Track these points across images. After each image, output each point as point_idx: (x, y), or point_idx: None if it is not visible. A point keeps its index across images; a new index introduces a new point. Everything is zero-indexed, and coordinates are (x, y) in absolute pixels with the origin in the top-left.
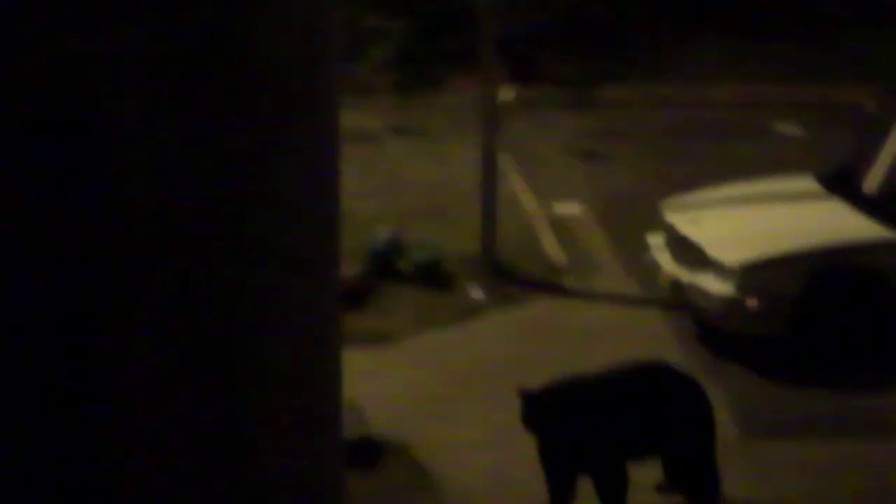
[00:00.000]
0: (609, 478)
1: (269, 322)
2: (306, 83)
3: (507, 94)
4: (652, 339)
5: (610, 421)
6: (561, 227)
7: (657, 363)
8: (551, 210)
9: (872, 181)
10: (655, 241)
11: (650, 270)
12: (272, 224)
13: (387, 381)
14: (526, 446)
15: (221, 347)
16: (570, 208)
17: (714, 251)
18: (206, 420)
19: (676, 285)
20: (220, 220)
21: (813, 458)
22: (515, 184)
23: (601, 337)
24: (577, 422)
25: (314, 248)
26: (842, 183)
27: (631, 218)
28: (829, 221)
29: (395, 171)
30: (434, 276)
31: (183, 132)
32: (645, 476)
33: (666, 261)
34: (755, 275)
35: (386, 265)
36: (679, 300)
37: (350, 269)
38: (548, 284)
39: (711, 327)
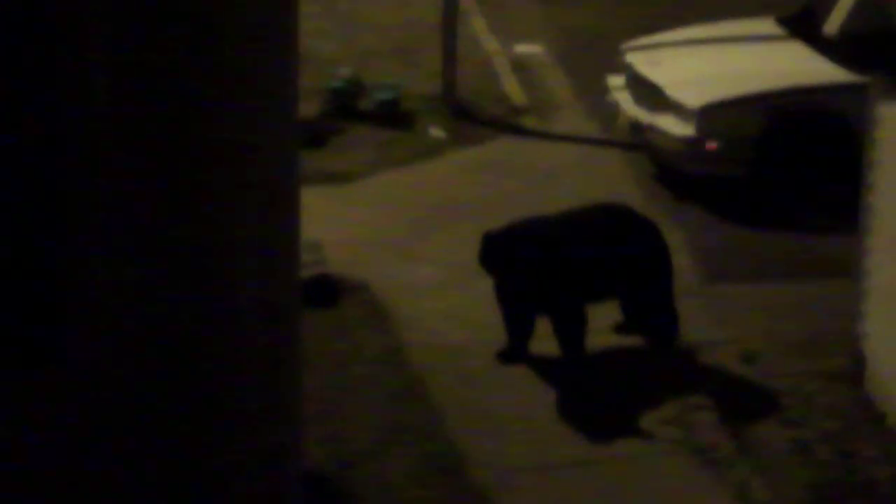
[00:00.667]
0: (567, 318)
1: (226, 156)
2: None
3: None
4: (612, 180)
5: (568, 262)
6: (522, 67)
7: (615, 204)
8: (512, 51)
9: (833, 24)
10: (616, 82)
11: (610, 111)
12: (231, 51)
13: (346, 220)
14: (484, 287)
15: (186, 184)
16: (531, 49)
17: (674, 92)
18: (173, 249)
19: (636, 126)
20: (186, 49)
21: (769, 300)
22: (476, 24)
23: (561, 177)
24: (535, 262)
25: (273, 81)
26: (803, 25)
27: (592, 59)
28: (789, 64)
29: (356, 11)
30: (394, 116)
31: None
32: (603, 317)
33: (626, 102)
34: (715, 116)
35: (346, 105)
36: (639, 141)
37: (310, 108)
38: (508, 124)
39: (671, 168)
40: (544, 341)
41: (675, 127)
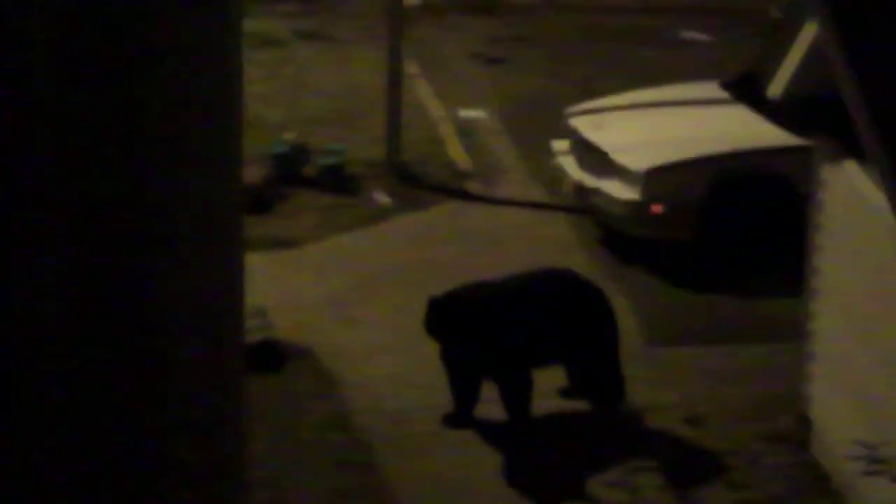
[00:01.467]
0: (512, 383)
1: (170, 218)
2: None
3: None
4: (557, 244)
5: (513, 327)
6: (466, 132)
7: (560, 269)
8: (457, 115)
9: (776, 87)
10: (561, 146)
11: (555, 175)
12: (173, 121)
13: (291, 285)
14: (430, 351)
15: (125, 241)
16: (475, 113)
17: (619, 156)
18: (112, 302)
19: (581, 190)
20: (121, 122)
21: (716, 364)
22: (421, 89)
23: (506, 241)
24: (481, 328)
25: (217, 146)
26: (746, 89)
27: (536, 123)
28: (733, 127)
29: (301, 77)
30: (339, 181)
31: (80, 42)
32: (549, 382)
33: (571, 166)
34: (660, 180)
35: (291, 170)
36: (584, 205)
37: (255, 174)
38: (453, 189)
39: (616, 232)
40: (491, 405)
41: (620, 191)
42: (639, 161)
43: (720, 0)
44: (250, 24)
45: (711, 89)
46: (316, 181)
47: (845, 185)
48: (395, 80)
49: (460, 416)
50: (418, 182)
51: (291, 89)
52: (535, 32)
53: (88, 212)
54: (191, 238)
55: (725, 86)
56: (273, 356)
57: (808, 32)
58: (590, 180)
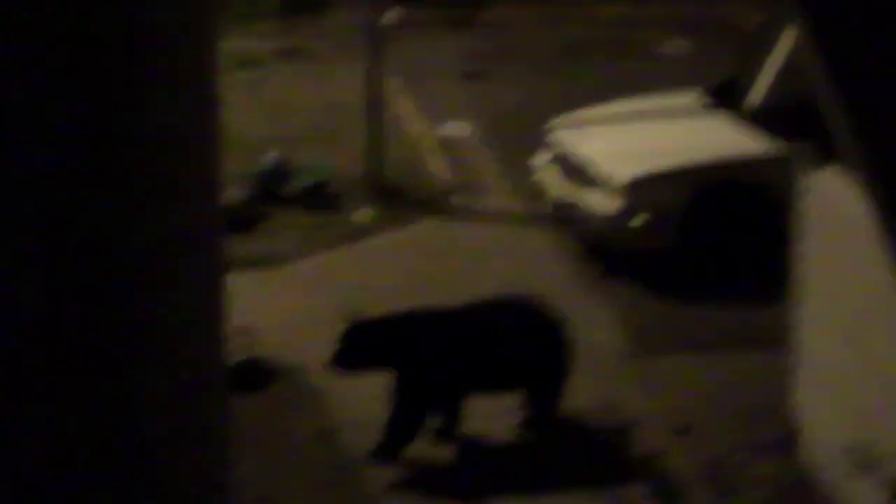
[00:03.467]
0: (406, 413)
1: (150, 250)
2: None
3: (391, 15)
4: (539, 258)
5: (461, 353)
6: (448, 147)
7: (522, 296)
8: (438, 131)
9: (756, 96)
10: (542, 159)
11: (537, 189)
12: (148, 151)
13: (276, 304)
14: None
15: (103, 264)
16: (457, 129)
17: (601, 168)
18: (93, 326)
19: (563, 203)
20: (95, 153)
21: (700, 372)
22: (402, 105)
23: (488, 256)
24: (430, 353)
25: (194, 173)
26: (727, 98)
27: (518, 137)
28: (714, 136)
29: (282, 95)
30: (321, 199)
31: (54, 64)
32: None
33: (553, 179)
34: (642, 190)
35: (273, 189)
36: (566, 218)
37: (237, 193)
38: (436, 205)
39: (598, 244)
40: (482, 420)
41: (601, 202)
42: (620, 172)
43: (701, 11)
44: (229, 44)
45: (692, 99)
46: (298, 199)
47: (826, 193)
48: (376, 97)
49: (446, 430)
50: (401, 198)
51: (271, 108)
52: (515, 47)
53: (67, 237)
54: (170, 261)
55: (706, 95)
56: (259, 375)
57: (788, 40)
58: (572, 192)
